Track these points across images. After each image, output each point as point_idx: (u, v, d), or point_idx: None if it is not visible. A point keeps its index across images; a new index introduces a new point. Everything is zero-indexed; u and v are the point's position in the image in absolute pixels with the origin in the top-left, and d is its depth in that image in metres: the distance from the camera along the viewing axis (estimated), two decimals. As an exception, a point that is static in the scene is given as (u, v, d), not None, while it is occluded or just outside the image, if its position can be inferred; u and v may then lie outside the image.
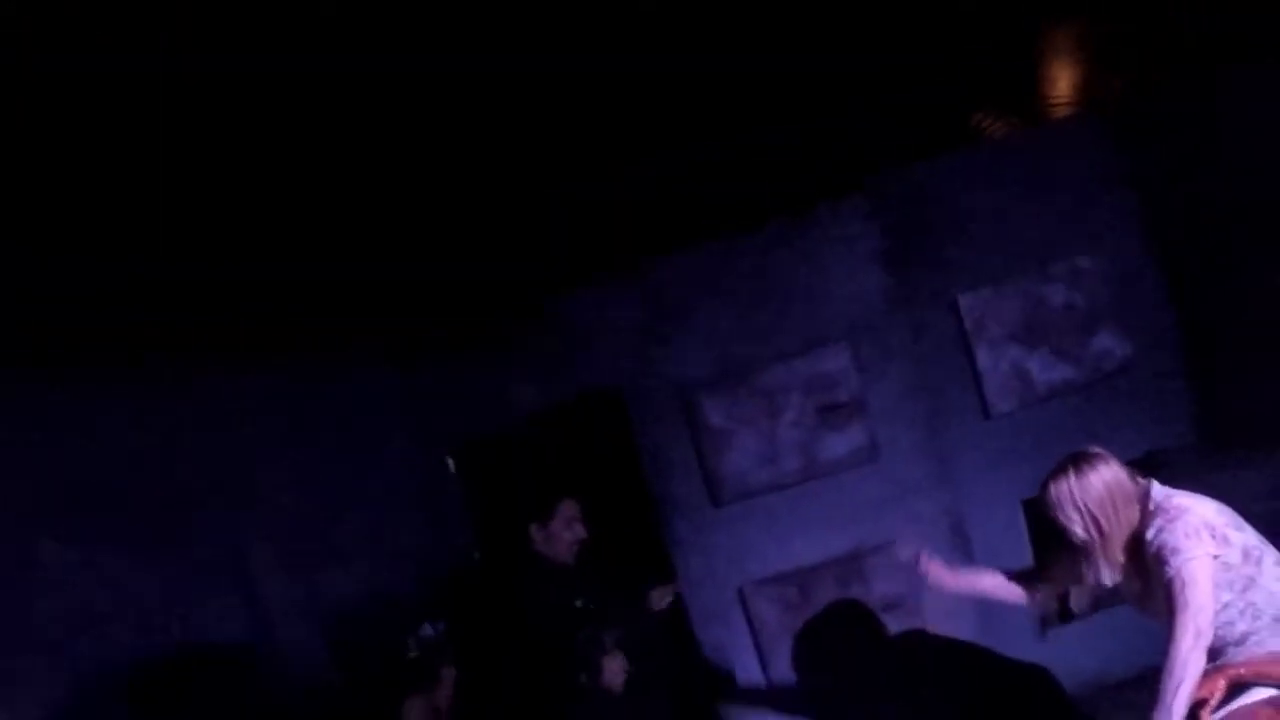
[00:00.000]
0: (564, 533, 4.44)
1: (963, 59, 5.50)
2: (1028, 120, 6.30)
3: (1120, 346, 5.19)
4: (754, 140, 5.21)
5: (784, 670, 5.02)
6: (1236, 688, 2.82)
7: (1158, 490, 2.97)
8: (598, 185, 5.10)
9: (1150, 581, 2.95)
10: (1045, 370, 5.15)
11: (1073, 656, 4.70)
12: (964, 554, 4.92)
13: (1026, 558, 5.07)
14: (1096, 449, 3.08)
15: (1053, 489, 3.05)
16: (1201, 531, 2.83)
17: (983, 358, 5.15)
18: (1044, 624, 5.10)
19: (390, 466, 5.35)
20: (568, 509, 4.49)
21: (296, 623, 4.47)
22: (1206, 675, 2.79)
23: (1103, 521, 2.99)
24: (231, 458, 4.33)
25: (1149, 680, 2.82)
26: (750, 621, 5.09)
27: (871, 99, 5.31)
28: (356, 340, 5.18)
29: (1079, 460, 3.05)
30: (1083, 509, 3.00)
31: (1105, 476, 3.00)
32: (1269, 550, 2.91)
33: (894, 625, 4.92)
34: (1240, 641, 2.85)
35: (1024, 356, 5.15)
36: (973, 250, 5.19)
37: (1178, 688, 2.71)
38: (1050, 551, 3.26)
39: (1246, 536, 2.90)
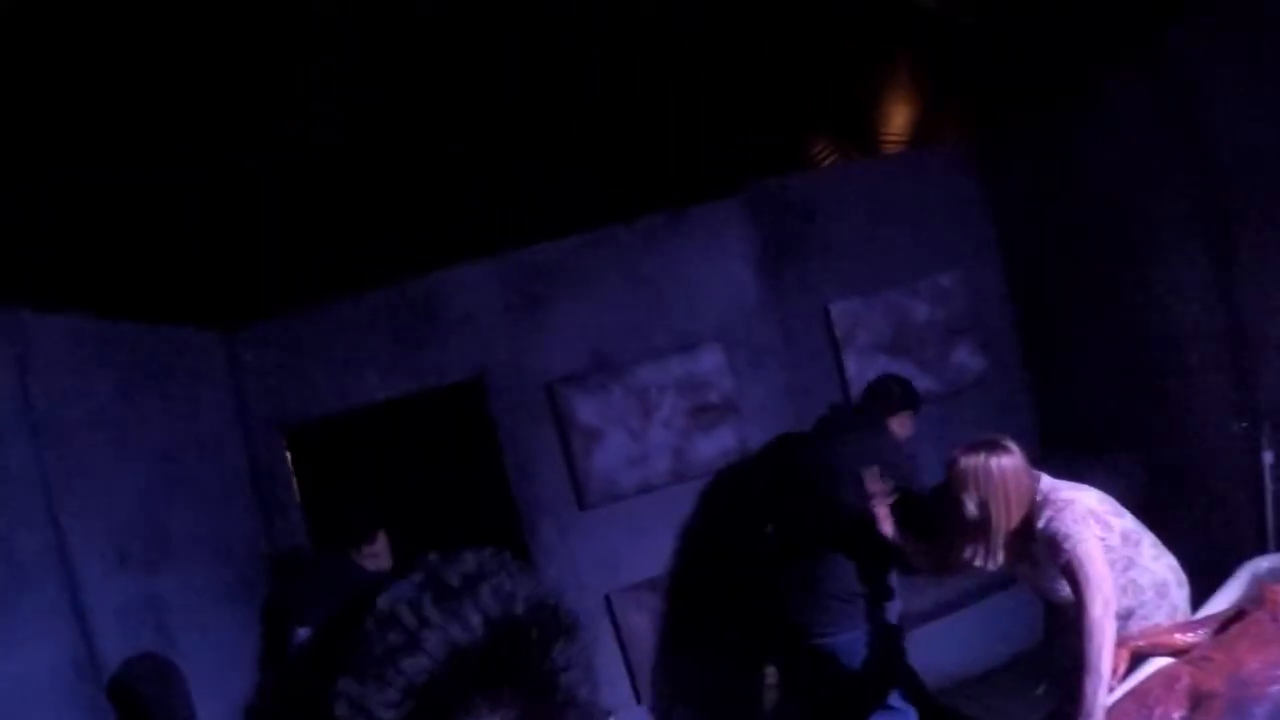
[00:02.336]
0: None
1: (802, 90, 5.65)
2: (863, 152, 6.54)
3: (975, 361, 5.37)
4: (628, 136, 5.13)
5: (652, 679, 4.81)
6: (1137, 659, 2.94)
7: (1045, 482, 3.09)
8: (473, 161, 4.86)
9: (1040, 565, 3.06)
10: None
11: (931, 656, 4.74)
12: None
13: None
14: (1005, 439, 3.13)
15: (961, 466, 3.10)
16: (1088, 518, 2.97)
17: (851, 365, 5.20)
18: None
19: (218, 447, 4.83)
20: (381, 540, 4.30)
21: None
22: None
23: (997, 508, 3.08)
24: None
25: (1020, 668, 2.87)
26: (618, 629, 4.86)
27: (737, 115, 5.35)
28: (184, 301, 4.65)
29: (990, 446, 3.12)
30: (984, 491, 3.08)
31: (1009, 466, 3.11)
32: (1145, 533, 3.12)
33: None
34: (1127, 615, 3.01)
35: (889, 366, 5.22)
36: (844, 261, 5.25)
37: (1099, 650, 2.80)
38: (924, 534, 3.42)
39: (1125, 522, 3.09)
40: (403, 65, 3.92)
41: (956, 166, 5.52)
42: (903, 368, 5.26)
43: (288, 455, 5.14)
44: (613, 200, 5.08)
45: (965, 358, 5.35)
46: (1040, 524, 2.99)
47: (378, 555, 4.44)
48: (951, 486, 3.09)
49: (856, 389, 5.20)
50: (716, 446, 5.00)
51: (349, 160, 4.66)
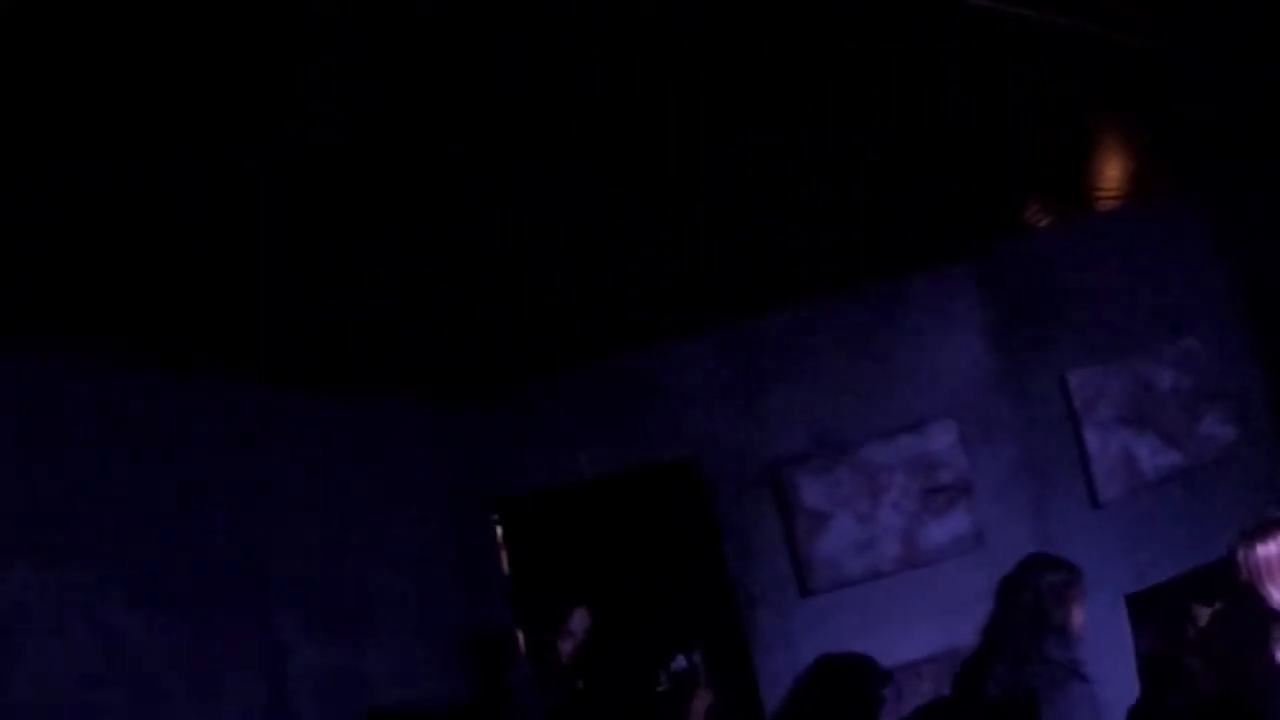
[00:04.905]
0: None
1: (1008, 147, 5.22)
2: (1079, 210, 6.10)
3: (1225, 430, 4.96)
4: (847, 200, 4.83)
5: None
6: None
7: None
8: (684, 231, 4.63)
9: None
10: (1154, 455, 4.86)
11: None
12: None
13: (1129, 654, 4.76)
14: None
15: (1259, 553, 2.92)
16: None
17: (1091, 440, 4.84)
18: None
19: (425, 524, 4.75)
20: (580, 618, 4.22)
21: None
22: None
23: None
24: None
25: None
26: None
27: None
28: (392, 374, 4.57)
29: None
30: None
31: None
32: None
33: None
34: None
35: (1132, 440, 4.86)
36: (1081, 327, 4.90)
37: None
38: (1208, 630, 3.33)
39: None
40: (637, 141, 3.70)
41: (1195, 219, 5.10)
42: (1147, 440, 4.91)
43: (498, 529, 5.04)
44: (830, 269, 4.80)
45: (1214, 427, 4.94)
46: None
47: (574, 635, 4.35)
48: (1245, 579, 2.89)
49: (1098, 465, 4.84)
50: (949, 530, 4.71)
51: (566, 232, 4.47)
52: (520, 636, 4.95)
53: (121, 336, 3.43)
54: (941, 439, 4.71)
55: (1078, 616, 3.82)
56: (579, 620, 4.44)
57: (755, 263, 4.87)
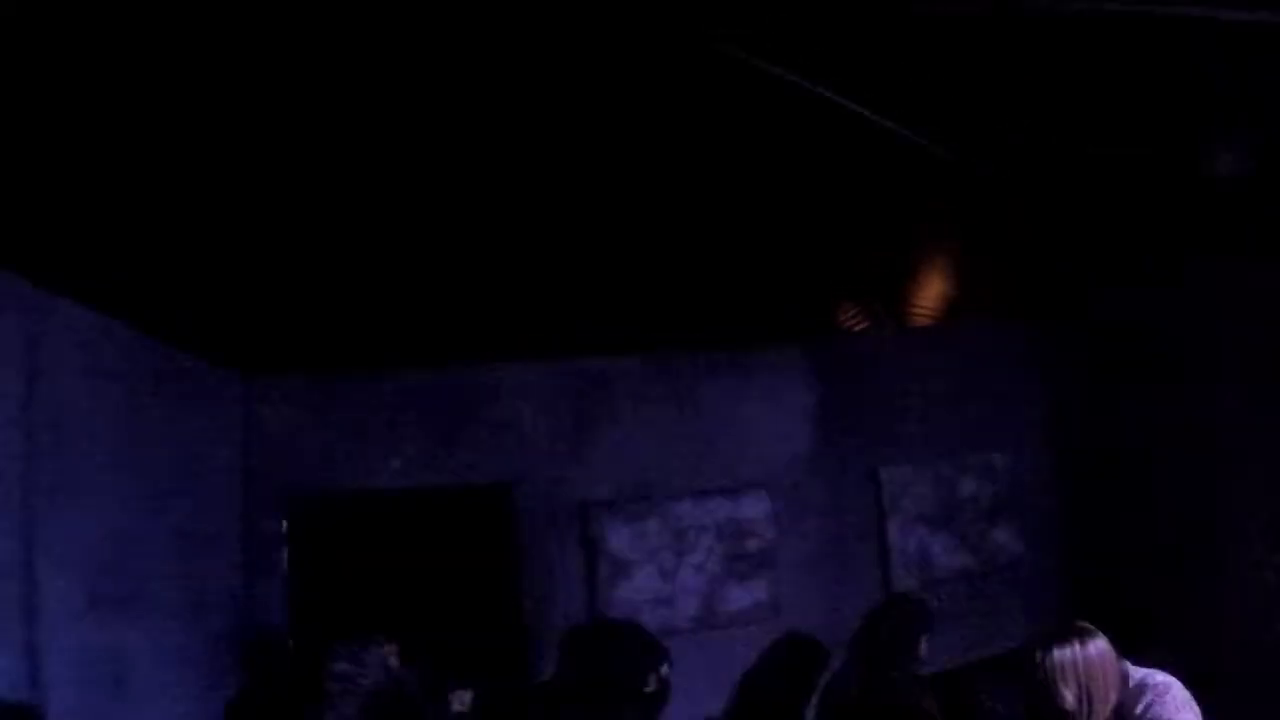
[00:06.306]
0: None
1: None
2: (894, 321, 6.42)
3: (1014, 543, 5.22)
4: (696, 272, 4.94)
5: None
6: None
7: (1132, 668, 2.98)
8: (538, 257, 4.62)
9: None
10: (948, 554, 5.06)
11: None
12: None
13: None
14: (1086, 624, 3.07)
15: (1055, 656, 2.98)
16: (1189, 703, 2.89)
17: (893, 531, 5.01)
18: None
19: (215, 509, 4.46)
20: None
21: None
22: None
23: (1096, 694, 2.98)
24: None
25: None
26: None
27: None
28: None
29: (1079, 632, 3.07)
30: (1081, 680, 2.99)
31: (1102, 650, 3.06)
32: None
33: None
34: None
35: (929, 538, 5.05)
36: (895, 424, 5.11)
37: None
38: None
39: None
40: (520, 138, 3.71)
41: (1011, 341, 5.44)
42: (944, 541, 5.11)
43: (284, 522, 4.75)
44: (667, 326, 4.86)
45: (1005, 538, 5.20)
46: (1139, 709, 2.86)
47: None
48: (1042, 679, 2.94)
49: (898, 556, 5.00)
50: (750, 597, 4.73)
51: (413, 222, 4.37)
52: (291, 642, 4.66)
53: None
54: (754, 507, 4.77)
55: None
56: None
57: (605, 304, 4.90)
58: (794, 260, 5.07)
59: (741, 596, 4.73)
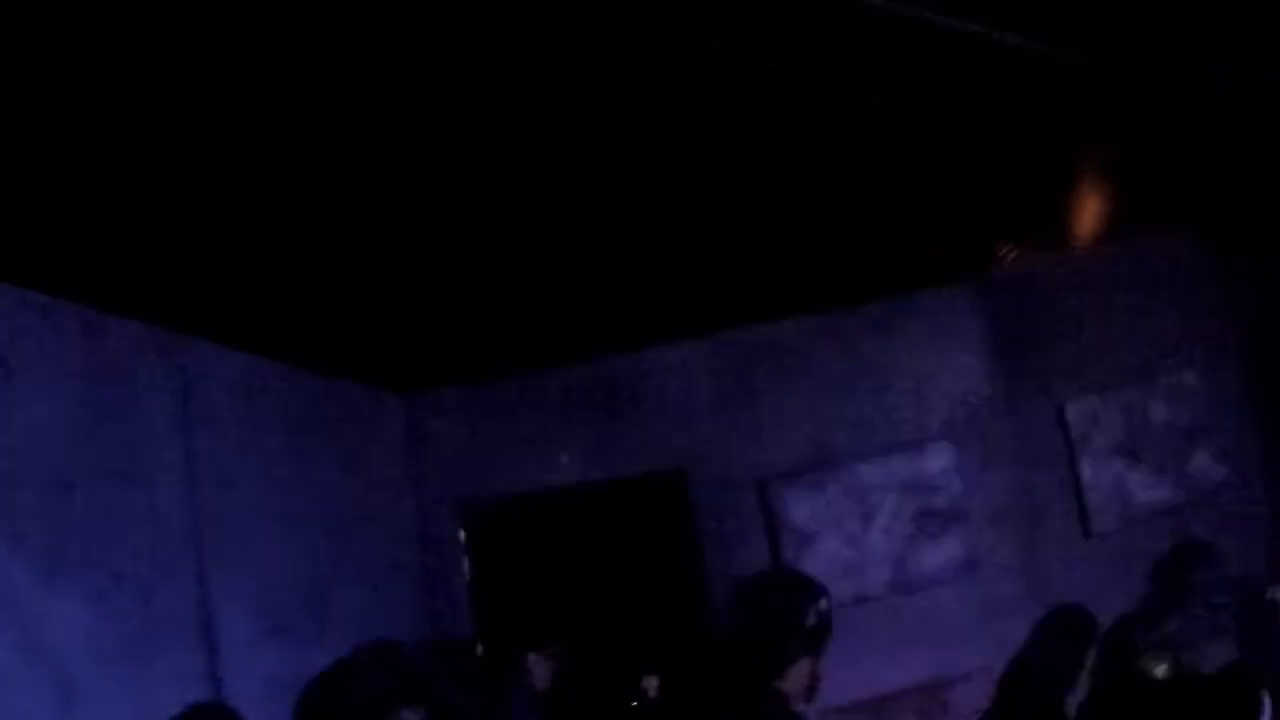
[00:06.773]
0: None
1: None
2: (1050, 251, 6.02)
3: (1215, 469, 4.88)
4: (847, 218, 4.68)
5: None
6: None
7: None
8: (682, 232, 4.43)
9: None
10: (1146, 489, 4.76)
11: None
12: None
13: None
14: None
15: None
16: None
17: (1086, 469, 4.72)
18: None
19: (388, 524, 4.45)
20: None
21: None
22: None
23: None
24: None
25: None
26: (829, 759, 4.39)
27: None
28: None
29: None
30: None
31: None
32: None
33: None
34: None
35: (1125, 472, 4.75)
36: (1075, 356, 4.78)
37: None
38: None
39: None
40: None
41: (1193, 254, 5.04)
42: (1139, 473, 4.80)
43: (461, 532, 4.74)
44: (830, 282, 4.62)
45: (1205, 464, 4.86)
46: None
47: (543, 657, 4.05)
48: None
49: (1093, 496, 4.72)
50: (943, 556, 4.54)
51: (549, 226, 4.24)
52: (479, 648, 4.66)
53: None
54: (937, 460, 4.55)
55: None
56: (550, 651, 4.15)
57: (753, 270, 4.69)
58: (946, 194, 4.78)
59: (934, 556, 4.54)
